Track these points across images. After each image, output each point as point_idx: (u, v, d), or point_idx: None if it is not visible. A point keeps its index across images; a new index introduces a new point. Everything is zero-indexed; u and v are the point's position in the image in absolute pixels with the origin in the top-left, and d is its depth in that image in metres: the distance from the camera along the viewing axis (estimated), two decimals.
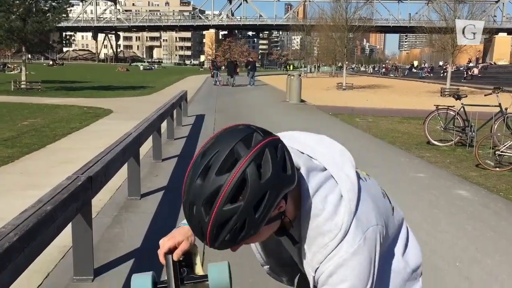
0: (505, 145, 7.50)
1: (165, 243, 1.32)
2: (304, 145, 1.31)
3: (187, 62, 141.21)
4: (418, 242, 1.56)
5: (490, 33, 68.41)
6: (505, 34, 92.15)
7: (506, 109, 8.74)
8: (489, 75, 42.98)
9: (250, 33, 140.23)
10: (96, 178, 3.67)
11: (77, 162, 7.16)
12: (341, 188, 1.22)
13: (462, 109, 9.37)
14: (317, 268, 1.21)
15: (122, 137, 5.27)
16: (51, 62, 71.29)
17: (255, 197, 1.08)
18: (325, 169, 1.25)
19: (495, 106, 8.88)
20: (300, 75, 20.80)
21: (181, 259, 1.32)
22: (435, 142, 9.66)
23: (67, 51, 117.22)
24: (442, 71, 51.43)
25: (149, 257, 4.08)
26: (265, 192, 1.09)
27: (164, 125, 9.06)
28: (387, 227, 1.31)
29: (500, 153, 7.44)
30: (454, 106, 9.65)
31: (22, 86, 23.20)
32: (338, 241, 1.18)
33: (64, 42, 31.68)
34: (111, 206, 5.49)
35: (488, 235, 4.69)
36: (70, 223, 3.51)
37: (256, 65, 36.49)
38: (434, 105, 10.01)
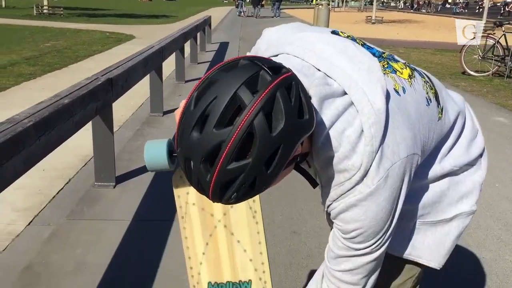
0: None
1: (183, 103, 1.10)
2: (320, 58, 1.02)
3: None
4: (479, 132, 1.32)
5: None
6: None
7: None
8: None
9: None
10: (116, 82, 3.47)
11: None
12: (363, 121, 0.96)
13: (503, 37, 8.78)
14: (329, 205, 1.04)
15: (144, 49, 5.02)
16: None
17: (266, 153, 0.85)
18: (345, 93, 0.98)
19: None
20: (329, 5, 19.92)
21: None
22: (471, 72, 9.15)
23: None
24: (477, 7, 48.99)
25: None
26: (278, 147, 0.85)
27: (187, 50, 8.76)
28: (426, 144, 1.10)
29: None
30: (494, 33, 9.05)
31: (45, 11, 22.91)
32: (355, 182, 0.98)
33: None
34: (133, 121, 5.34)
35: None
36: (91, 127, 3.37)
37: None
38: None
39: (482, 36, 9.07)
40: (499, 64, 8.99)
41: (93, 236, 2.83)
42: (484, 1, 31.54)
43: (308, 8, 38.94)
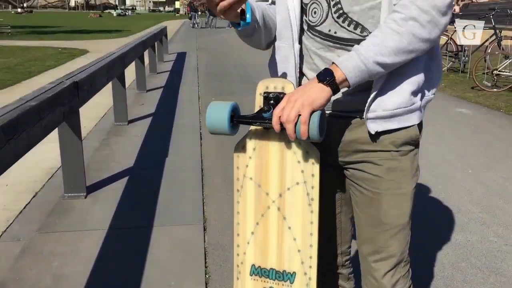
0: (502, 65, 7.29)
1: None
2: None
3: (161, 8, 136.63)
4: None
5: None
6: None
7: (500, 31, 8.48)
8: (470, 12, 42.60)
9: None
10: (82, 86, 3.31)
11: None
12: None
13: (454, 34, 9.07)
14: None
15: (106, 55, 4.86)
16: (19, 10, 68.01)
17: None
18: None
19: (489, 28, 8.60)
20: None
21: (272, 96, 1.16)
22: None
23: None
24: None
25: (144, 175, 3.81)
26: None
27: (146, 60, 8.59)
28: None
29: (498, 73, 7.24)
30: (446, 30, 9.34)
31: None
32: None
33: None
34: (97, 132, 5.15)
35: (496, 145, 4.52)
36: (58, 135, 3.20)
37: None
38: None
39: None
40: (453, 60, 9.28)
41: (69, 248, 2.66)
42: None
43: None
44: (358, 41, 1.16)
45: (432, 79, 1.29)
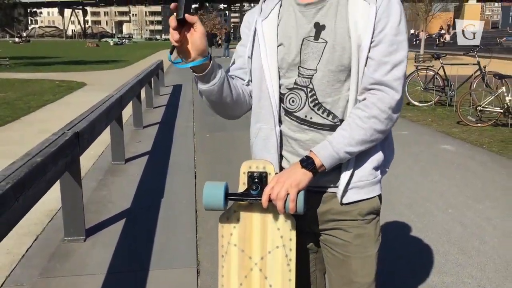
0: (485, 101, 7.57)
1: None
2: None
3: (158, 37, 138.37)
4: None
5: (460, 0, 68.87)
6: (475, 1, 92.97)
7: (484, 67, 8.81)
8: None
9: (221, 6, 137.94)
10: (82, 135, 3.53)
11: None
12: None
13: (441, 69, 9.41)
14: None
15: (104, 99, 5.09)
16: (17, 39, 68.76)
17: None
18: None
19: (474, 64, 8.94)
20: None
21: (256, 175, 1.39)
22: (416, 103, 9.70)
23: (32, 28, 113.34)
24: (414, 39, 51.68)
25: (140, 217, 3.99)
26: None
27: (142, 95, 8.85)
28: None
29: (482, 109, 7.52)
30: (433, 66, 9.68)
31: None
32: None
33: (29, 15, 30.56)
34: (95, 171, 5.34)
35: (477, 184, 4.74)
36: (58, 183, 3.39)
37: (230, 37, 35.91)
38: (414, 65, 10.03)
39: (422, 68, 9.68)
40: (440, 94, 9.59)
41: None
42: (420, 34, 33.46)
43: None
44: (329, 126, 1.43)
45: (387, 156, 1.53)
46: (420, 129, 7.49)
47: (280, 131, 1.50)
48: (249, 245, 1.43)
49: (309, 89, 1.43)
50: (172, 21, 1.26)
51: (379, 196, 1.52)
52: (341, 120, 1.42)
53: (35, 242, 3.55)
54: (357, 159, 1.44)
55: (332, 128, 1.42)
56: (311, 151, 1.38)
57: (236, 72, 1.57)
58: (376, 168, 1.48)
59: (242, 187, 1.40)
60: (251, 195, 1.38)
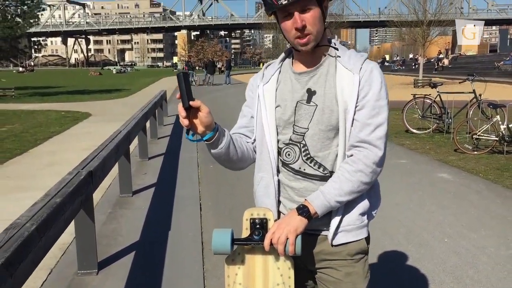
0: (481, 129, 7.79)
1: None
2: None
3: (160, 64, 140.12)
4: None
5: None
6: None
7: (480, 95, 9.05)
8: (459, 65, 43.97)
9: (222, 33, 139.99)
10: (95, 173, 3.73)
11: (63, 164, 7.20)
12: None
13: (438, 97, 9.66)
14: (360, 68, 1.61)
15: (113, 135, 5.32)
16: (21, 69, 69.76)
17: None
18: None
19: (469, 92, 9.19)
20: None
21: (257, 222, 1.60)
22: (414, 130, 9.94)
23: (36, 57, 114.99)
24: (413, 64, 52.37)
25: (149, 249, 4.17)
26: None
27: (146, 125, 9.11)
28: None
29: (477, 137, 7.73)
30: (430, 94, 9.94)
31: None
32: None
33: (34, 46, 31.18)
34: (104, 204, 5.53)
35: (472, 213, 4.92)
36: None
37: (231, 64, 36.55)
38: (411, 94, 10.29)
39: (419, 97, 9.93)
40: (437, 121, 9.82)
41: None
42: (419, 58, 33.97)
43: (255, 71, 40.38)
44: (320, 176, 1.66)
45: (373, 203, 1.74)
46: (418, 157, 7.69)
47: (278, 180, 1.73)
48: (253, 283, 1.63)
49: (302, 145, 1.66)
50: (182, 111, 1.50)
51: (366, 238, 1.73)
52: (331, 172, 1.65)
53: (50, 276, 3.72)
54: (346, 206, 1.65)
55: (323, 178, 1.65)
56: (306, 199, 1.61)
57: (241, 130, 1.81)
58: (362, 214, 1.69)
59: (245, 232, 1.62)
60: (254, 240, 1.59)
